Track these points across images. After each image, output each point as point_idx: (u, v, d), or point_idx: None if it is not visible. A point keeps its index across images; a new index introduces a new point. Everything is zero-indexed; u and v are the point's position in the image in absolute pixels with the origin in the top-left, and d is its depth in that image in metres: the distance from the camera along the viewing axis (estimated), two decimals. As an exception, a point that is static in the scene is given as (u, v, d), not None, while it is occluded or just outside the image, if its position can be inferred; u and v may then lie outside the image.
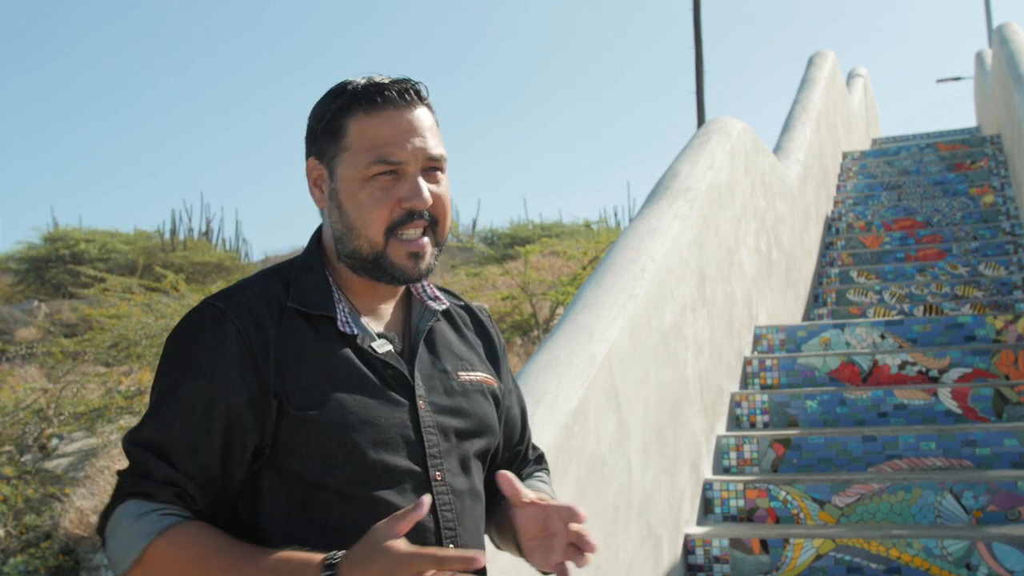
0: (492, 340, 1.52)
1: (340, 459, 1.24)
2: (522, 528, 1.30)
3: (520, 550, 1.33)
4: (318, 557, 1.13)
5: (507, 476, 1.25)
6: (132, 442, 1.24)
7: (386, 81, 1.33)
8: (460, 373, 1.40)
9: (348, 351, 1.30)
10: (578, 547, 1.25)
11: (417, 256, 1.32)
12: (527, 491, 1.26)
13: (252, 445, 1.24)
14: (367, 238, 1.30)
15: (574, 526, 1.24)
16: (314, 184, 1.37)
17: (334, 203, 1.33)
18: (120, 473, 1.25)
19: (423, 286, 1.44)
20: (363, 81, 1.34)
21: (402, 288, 1.42)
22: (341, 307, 1.33)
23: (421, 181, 1.32)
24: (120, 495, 1.22)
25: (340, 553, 1.12)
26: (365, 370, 1.30)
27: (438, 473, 1.31)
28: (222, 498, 1.25)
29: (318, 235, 1.41)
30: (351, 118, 1.32)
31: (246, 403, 1.24)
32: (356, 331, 1.32)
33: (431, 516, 1.29)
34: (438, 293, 1.45)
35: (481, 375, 1.43)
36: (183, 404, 1.24)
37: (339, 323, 1.31)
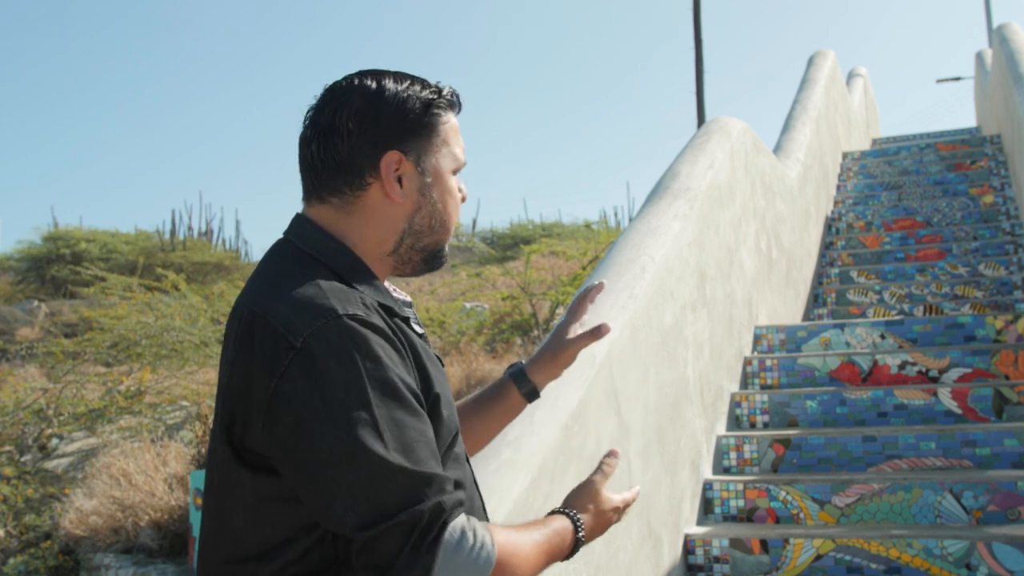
0: None
1: (447, 450, 1.27)
2: (560, 352, 1.61)
3: (530, 390, 1.61)
4: (564, 520, 1.31)
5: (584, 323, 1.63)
6: (410, 467, 1.12)
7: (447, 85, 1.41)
8: None
9: (428, 347, 1.34)
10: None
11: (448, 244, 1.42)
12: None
13: None
14: (449, 230, 1.38)
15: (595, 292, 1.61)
16: (394, 177, 1.31)
17: (427, 198, 1.34)
18: (413, 508, 1.10)
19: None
20: (434, 82, 1.39)
21: None
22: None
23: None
24: (438, 527, 1.10)
25: (575, 514, 1.32)
26: (441, 364, 1.36)
27: (467, 453, 1.40)
28: None
29: (323, 231, 1.31)
30: (442, 116, 1.36)
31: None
32: (422, 331, 1.35)
33: (477, 491, 1.37)
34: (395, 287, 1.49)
35: None
36: (414, 413, 1.17)
37: (412, 322, 1.33)
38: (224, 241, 19.52)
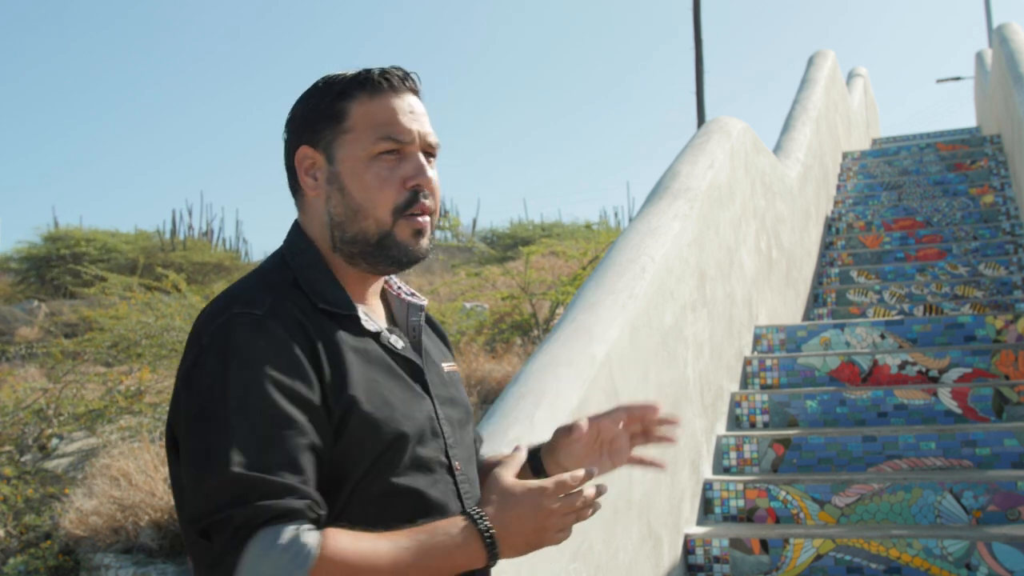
0: (442, 331, 1.56)
1: (390, 455, 1.24)
2: (578, 457, 1.45)
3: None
4: (457, 517, 1.21)
5: (578, 423, 1.43)
6: (241, 469, 1.12)
7: (385, 67, 1.36)
8: (444, 364, 1.44)
9: (378, 348, 1.31)
10: (650, 432, 1.49)
11: (420, 233, 1.34)
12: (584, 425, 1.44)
13: (330, 438, 1.21)
14: (375, 218, 1.31)
15: (649, 414, 1.47)
16: (305, 173, 1.35)
17: (334, 187, 1.32)
18: (229, 510, 1.12)
19: (397, 283, 1.46)
20: (356, 70, 1.36)
21: (381, 283, 1.43)
22: (357, 305, 1.34)
23: (423, 160, 1.34)
24: (247, 531, 1.10)
25: (474, 509, 1.22)
26: (396, 367, 1.32)
27: (457, 463, 1.35)
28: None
29: (300, 231, 1.37)
30: (353, 101, 1.33)
31: (322, 404, 1.21)
32: (379, 328, 1.33)
33: (459, 503, 1.32)
34: (412, 289, 1.47)
35: (454, 364, 1.48)
36: (275, 418, 1.16)
37: (363, 321, 1.31)
38: (224, 241, 19.50)
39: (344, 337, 1.27)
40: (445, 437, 1.33)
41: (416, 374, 1.34)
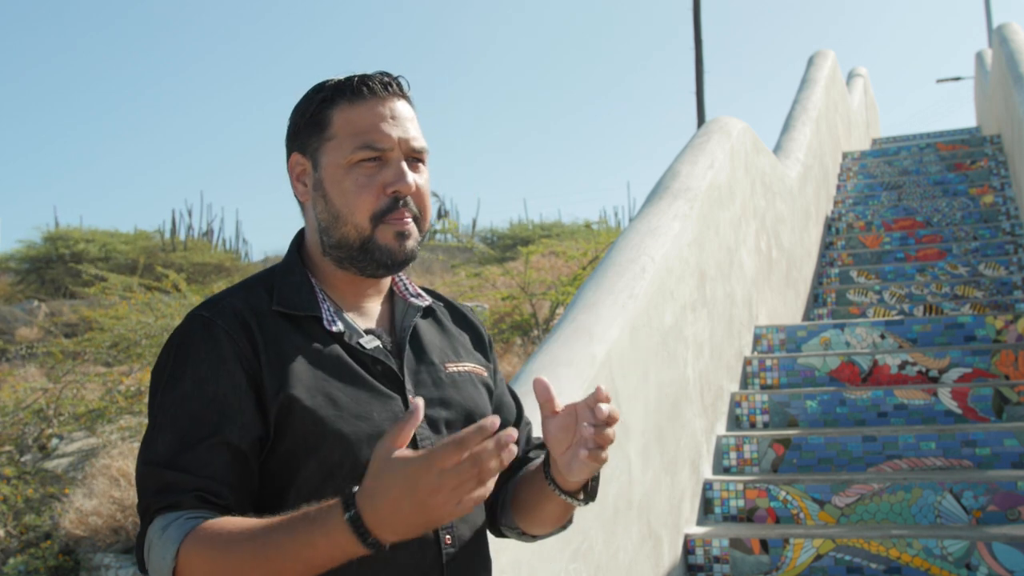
0: (478, 330, 1.53)
1: (337, 456, 1.25)
2: (556, 442, 1.27)
3: (555, 480, 1.32)
4: (331, 500, 1.08)
5: (543, 381, 1.27)
6: (146, 464, 1.23)
7: (369, 73, 1.37)
8: (448, 364, 1.42)
9: (337, 348, 1.32)
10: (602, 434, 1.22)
11: (403, 235, 1.34)
12: (558, 399, 1.27)
13: (256, 436, 1.24)
14: (353, 224, 1.32)
15: (599, 407, 1.21)
16: (297, 179, 1.39)
17: (319, 193, 1.35)
18: (141, 501, 1.23)
19: (405, 284, 1.46)
20: (344, 76, 1.37)
21: (386, 285, 1.43)
22: (326, 307, 1.34)
23: (405, 166, 1.34)
24: (148, 519, 1.20)
25: (353, 488, 1.07)
26: (355, 366, 1.31)
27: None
28: (251, 492, 1.25)
29: (299, 239, 1.42)
30: (335, 108, 1.35)
31: (252, 400, 1.24)
32: (343, 329, 1.33)
33: None
34: (419, 290, 1.47)
35: (469, 365, 1.45)
36: (189, 412, 1.23)
37: (325, 322, 1.32)
38: (224, 241, 19.51)
39: (295, 338, 1.30)
40: (418, 440, 1.31)
41: (388, 375, 1.34)
